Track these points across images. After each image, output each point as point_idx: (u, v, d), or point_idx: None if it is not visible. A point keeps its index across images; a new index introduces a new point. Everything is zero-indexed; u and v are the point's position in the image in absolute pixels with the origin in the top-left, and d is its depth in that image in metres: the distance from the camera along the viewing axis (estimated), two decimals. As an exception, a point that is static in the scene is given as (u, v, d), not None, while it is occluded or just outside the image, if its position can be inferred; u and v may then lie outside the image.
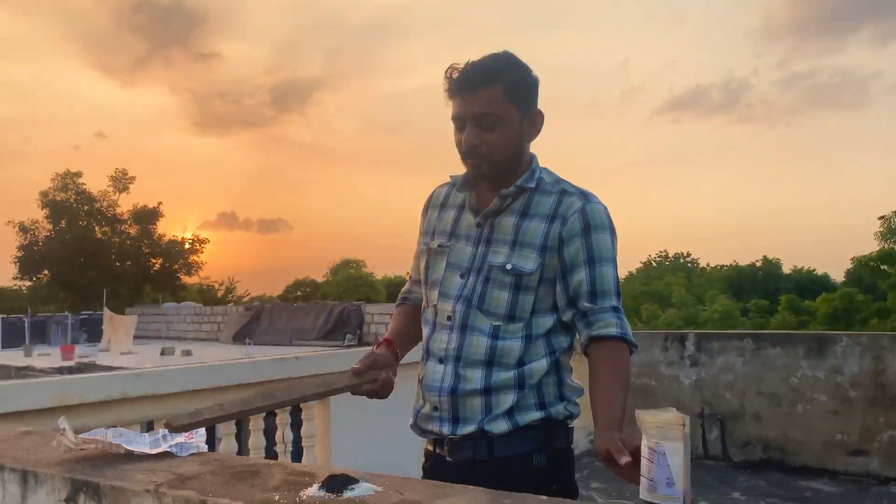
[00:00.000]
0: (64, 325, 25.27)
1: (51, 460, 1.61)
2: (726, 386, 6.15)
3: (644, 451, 1.03)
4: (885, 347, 5.50)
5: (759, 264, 52.13)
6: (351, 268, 43.70)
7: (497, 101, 1.63)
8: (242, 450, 3.86)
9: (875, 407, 5.52)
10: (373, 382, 1.76)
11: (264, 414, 3.94)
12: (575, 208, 1.65)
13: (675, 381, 6.39)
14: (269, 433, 4.04)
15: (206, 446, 1.67)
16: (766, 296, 40.38)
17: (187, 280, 36.25)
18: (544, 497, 1.19)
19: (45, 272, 32.04)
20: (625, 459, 1.23)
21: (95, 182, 33.98)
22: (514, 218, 1.69)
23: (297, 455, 4.19)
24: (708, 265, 56.32)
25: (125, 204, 33.74)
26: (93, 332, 24.59)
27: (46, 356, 18.15)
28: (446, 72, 1.67)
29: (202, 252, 35.15)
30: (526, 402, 1.67)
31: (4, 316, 25.64)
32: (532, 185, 1.69)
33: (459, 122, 1.67)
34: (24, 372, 14.44)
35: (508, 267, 1.65)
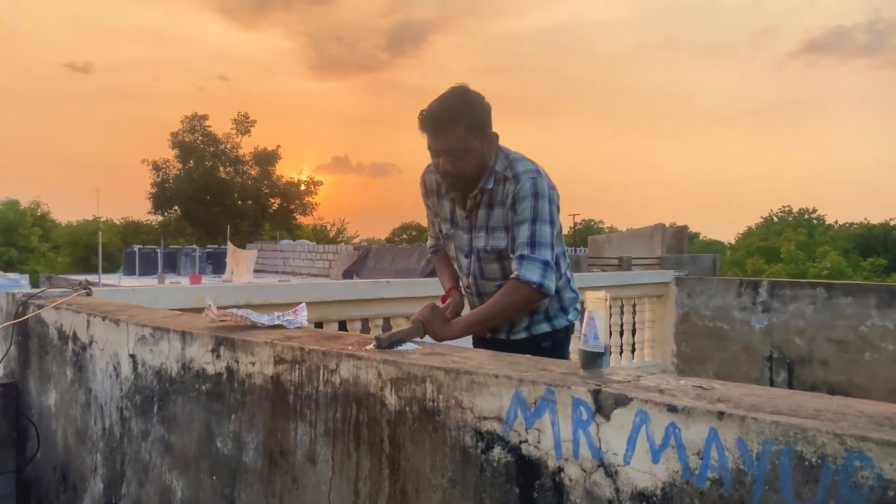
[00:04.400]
0: (191, 256, 27.50)
1: (201, 326, 2.29)
2: (796, 332, 6.39)
3: (584, 319, 1.55)
4: (955, 300, 5.59)
5: (893, 223, 49.45)
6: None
7: (461, 137, 2.10)
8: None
9: (940, 357, 5.65)
10: None
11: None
12: (510, 193, 2.15)
13: (747, 326, 6.72)
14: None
15: (307, 323, 2.31)
16: (898, 257, 38.74)
17: (302, 220, 38.39)
18: (527, 356, 1.74)
19: (175, 208, 34.69)
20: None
21: (218, 123, 36.25)
22: (486, 210, 2.24)
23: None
24: (836, 222, 53.94)
25: (247, 146, 35.86)
26: (217, 264, 26.72)
27: (177, 283, 19.97)
28: (420, 113, 2.14)
29: (316, 194, 37.16)
30: (537, 319, 2.32)
31: (140, 247, 28.17)
32: (490, 186, 2.20)
33: (434, 153, 2.16)
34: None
35: (488, 248, 2.25)
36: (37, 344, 3.20)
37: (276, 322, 2.28)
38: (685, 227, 19.58)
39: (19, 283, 17.45)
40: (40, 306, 3.17)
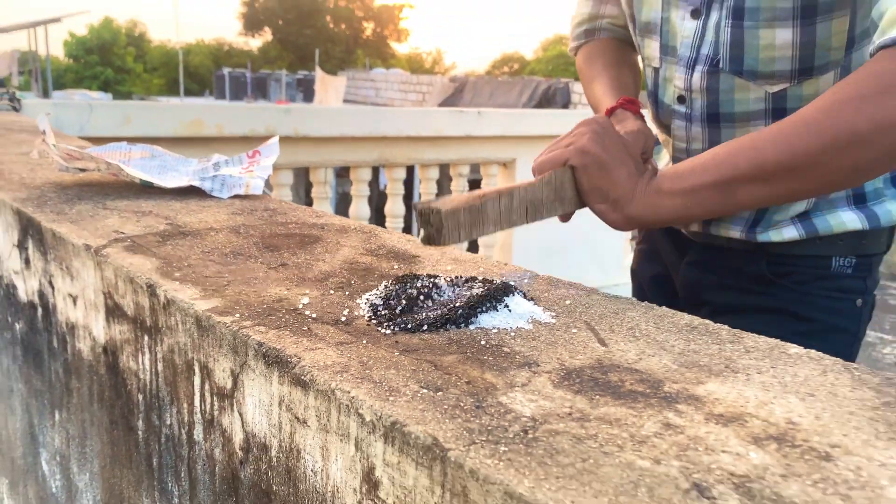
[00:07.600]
0: (281, 82, 26.48)
1: (34, 183, 1.00)
2: None
3: None
4: None
5: None
6: (564, 44, 41.70)
7: None
8: (380, 218, 3.22)
9: None
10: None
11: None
12: None
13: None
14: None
15: (263, 186, 0.98)
16: None
17: (397, 50, 36.64)
18: None
19: (266, 28, 33.47)
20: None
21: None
22: None
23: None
24: None
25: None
26: (307, 92, 25.66)
27: (263, 110, 19.08)
28: None
29: (407, 18, 35.20)
30: (832, 197, 0.91)
31: (230, 70, 27.30)
32: None
33: None
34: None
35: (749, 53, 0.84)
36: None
37: (192, 181, 0.96)
38: None
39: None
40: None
